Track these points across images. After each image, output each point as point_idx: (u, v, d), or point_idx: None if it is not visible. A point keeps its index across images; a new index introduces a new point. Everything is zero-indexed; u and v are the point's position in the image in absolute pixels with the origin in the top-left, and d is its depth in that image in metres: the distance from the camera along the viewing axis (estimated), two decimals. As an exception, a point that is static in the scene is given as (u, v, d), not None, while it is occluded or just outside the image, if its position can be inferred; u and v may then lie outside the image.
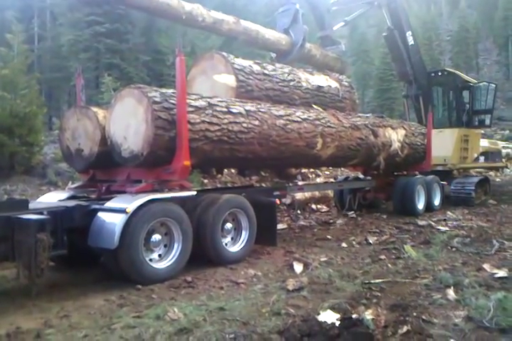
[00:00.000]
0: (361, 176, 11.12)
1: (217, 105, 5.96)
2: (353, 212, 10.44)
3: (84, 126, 6.06)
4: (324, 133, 7.52)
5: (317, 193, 11.31)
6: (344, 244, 7.12)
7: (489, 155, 13.71)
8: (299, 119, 7.11)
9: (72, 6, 26.49)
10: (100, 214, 4.98)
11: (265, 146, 6.55)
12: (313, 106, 7.97)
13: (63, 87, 30.62)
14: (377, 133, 8.92)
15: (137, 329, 3.57)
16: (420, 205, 10.14)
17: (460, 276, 4.94)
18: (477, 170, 14.03)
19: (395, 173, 10.84)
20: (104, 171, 6.25)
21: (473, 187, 11.54)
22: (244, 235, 6.22)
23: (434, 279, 4.91)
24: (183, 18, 7.10)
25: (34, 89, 14.25)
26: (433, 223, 8.90)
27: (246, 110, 6.29)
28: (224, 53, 7.06)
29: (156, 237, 5.20)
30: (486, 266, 5.46)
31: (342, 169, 15.36)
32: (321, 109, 7.97)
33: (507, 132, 33.17)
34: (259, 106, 6.62)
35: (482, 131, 14.51)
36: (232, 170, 11.97)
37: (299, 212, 10.63)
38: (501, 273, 5.11)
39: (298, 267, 5.60)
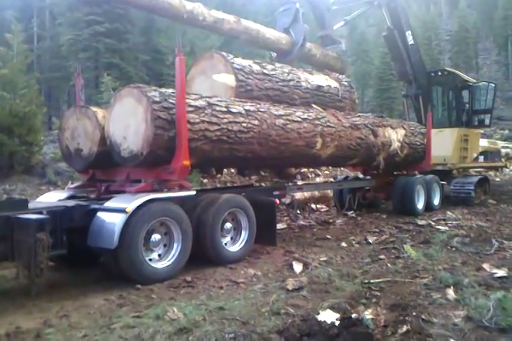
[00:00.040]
0: (361, 176, 11.13)
1: (217, 105, 5.96)
2: (352, 211, 10.44)
3: (83, 126, 6.06)
4: (324, 132, 7.52)
5: (317, 193, 11.31)
6: (344, 244, 7.12)
7: (488, 154, 13.72)
8: (299, 119, 7.11)
9: (72, 6, 26.48)
10: (100, 213, 4.98)
11: (265, 146, 6.55)
12: (313, 105, 7.96)
13: (63, 86, 30.64)
14: (377, 133, 8.92)
15: (137, 329, 3.57)
16: (420, 205, 10.14)
17: (460, 276, 4.94)
18: (476, 169, 14.03)
19: (395, 173, 10.85)
20: (103, 171, 6.25)
21: (472, 187, 11.54)
22: (244, 235, 6.22)
23: (433, 279, 4.91)
24: (184, 17, 7.10)
25: (33, 88, 14.26)
26: (433, 223, 8.91)
27: (245, 110, 6.29)
28: (223, 53, 7.06)
29: (156, 237, 5.20)
30: (485, 265, 5.46)
31: (341, 169, 15.36)
32: (320, 109, 7.97)
33: (506, 132, 33.21)
34: (258, 105, 6.61)
35: (481, 131, 14.51)
36: (232, 170, 11.98)
37: (298, 211, 10.63)
38: (501, 272, 5.11)
39: (297, 267, 5.60)
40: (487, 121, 13.35)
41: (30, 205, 4.94)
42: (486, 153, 13.59)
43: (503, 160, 15.42)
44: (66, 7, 27.66)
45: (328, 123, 7.69)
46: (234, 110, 6.11)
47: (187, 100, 5.52)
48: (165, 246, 5.32)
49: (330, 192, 11.58)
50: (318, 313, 3.78)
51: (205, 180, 12.69)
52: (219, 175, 11.12)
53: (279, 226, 8.46)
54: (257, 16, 27.48)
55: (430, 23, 53.50)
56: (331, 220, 9.69)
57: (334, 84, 8.62)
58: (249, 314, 3.88)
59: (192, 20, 7.29)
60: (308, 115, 7.38)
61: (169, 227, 5.30)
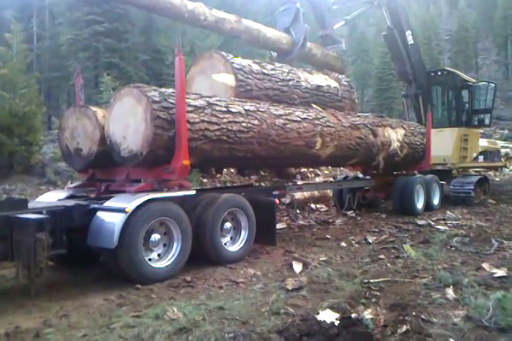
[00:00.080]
0: (360, 175, 11.13)
1: (217, 104, 5.96)
2: (352, 211, 10.44)
3: (83, 126, 6.05)
4: (323, 132, 7.52)
5: (316, 193, 11.31)
6: (343, 244, 7.13)
7: (488, 154, 13.72)
8: (299, 119, 7.11)
9: (71, 5, 26.48)
10: (99, 213, 4.98)
11: (264, 146, 6.55)
12: (313, 105, 7.96)
13: (62, 86, 30.63)
14: (377, 133, 8.92)
15: (136, 329, 3.57)
16: (419, 205, 10.14)
17: (459, 276, 4.94)
18: (476, 169, 14.03)
19: (395, 173, 10.84)
20: (103, 170, 6.25)
21: (472, 187, 11.54)
22: (244, 235, 6.22)
23: (433, 278, 4.91)
24: (185, 17, 7.10)
25: (33, 88, 14.26)
26: (432, 222, 8.91)
27: (245, 109, 6.29)
28: (223, 53, 7.06)
29: (156, 237, 5.20)
30: (485, 265, 5.46)
31: (341, 168, 15.36)
32: (320, 109, 7.97)
33: (506, 131, 33.22)
34: (258, 105, 6.61)
35: (481, 131, 14.51)
36: (232, 170, 11.97)
37: (298, 211, 10.63)
38: (500, 272, 5.11)
39: (297, 266, 5.60)
40: (487, 121, 13.36)
41: (30, 205, 4.94)
42: (486, 153, 13.59)
43: (502, 160, 15.43)
44: (66, 7, 27.66)
45: (328, 123, 7.69)
46: (234, 110, 6.10)
47: (187, 100, 5.52)
48: (164, 245, 5.32)
49: (329, 192, 11.58)
50: (318, 313, 3.78)
51: (205, 180, 12.69)
52: (219, 175, 11.14)
53: (279, 226, 8.47)
54: (256, 16, 27.45)
55: (430, 22, 53.50)
56: (330, 220, 9.69)
57: (334, 83, 8.62)
58: (248, 314, 3.88)
59: (193, 20, 7.29)
60: (308, 115, 7.38)
61: (169, 227, 5.30)
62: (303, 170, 14.43)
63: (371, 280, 4.89)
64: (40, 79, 22.78)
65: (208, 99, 5.96)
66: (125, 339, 3.44)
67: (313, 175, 15.10)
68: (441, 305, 4.06)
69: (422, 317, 3.71)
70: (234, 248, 6.09)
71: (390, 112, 35.71)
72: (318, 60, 9.58)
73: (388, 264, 5.74)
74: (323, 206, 11.63)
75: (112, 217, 4.84)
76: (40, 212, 4.66)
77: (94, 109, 6.13)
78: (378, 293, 4.45)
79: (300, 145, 7.14)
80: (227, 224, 6.08)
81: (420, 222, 8.93)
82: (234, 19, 7.78)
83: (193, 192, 5.75)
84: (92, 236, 4.88)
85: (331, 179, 13.57)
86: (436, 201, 10.81)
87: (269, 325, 3.61)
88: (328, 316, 3.66)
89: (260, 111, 6.52)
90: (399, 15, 12.17)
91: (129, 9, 24.23)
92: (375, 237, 7.53)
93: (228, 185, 12.35)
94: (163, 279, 5.07)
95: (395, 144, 9.47)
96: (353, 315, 3.66)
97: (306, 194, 10.92)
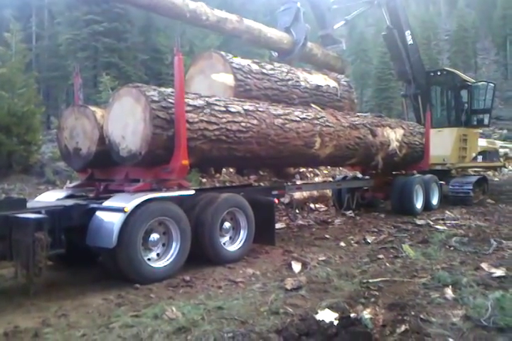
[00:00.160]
0: (359, 175, 11.13)
1: (216, 104, 5.96)
2: (351, 211, 10.44)
3: (82, 125, 6.05)
4: (322, 132, 7.52)
5: (315, 192, 11.31)
6: (342, 243, 7.13)
7: (487, 154, 13.73)
8: (298, 118, 7.11)
9: (71, 5, 26.47)
10: (98, 213, 4.97)
11: (264, 145, 6.55)
12: (312, 105, 7.96)
13: (61, 85, 30.62)
14: (376, 133, 8.92)
15: (135, 329, 3.57)
16: (418, 204, 10.15)
17: (458, 275, 4.94)
18: (475, 169, 14.05)
19: (394, 172, 10.85)
20: (102, 170, 6.24)
21: (471, 187, 11.55)
22: (243, 234, 6.21)
23: (432, 278, 4.91)
24: (187, 17, 7.10)
25: (32, 88, 14.25)
26: (431, 222, 8.91)
27: (244, 109, 6.29)
28: (222, 52, 7.05)
29: (155, 236, 5.19)
30: (484, 265, 5.47)
31: (340, 168, 15.36)
32: (319, 109, 7.97)
33: (505, 131, 33.23)
34: (257, 105, 6.61)
35: (480, 131, 14.53)
36: (231, 170, 11.97)
37: (297, 211, 10.63)
38: (499, 272, 5.12)
39: (296, 266, 5.61)
40: (486, 121, 13.37)
41: (29, 205, 4.93)
42: (485, 153, 13.60)
43: (501, 159, 15.44)
44: (65, 6, 27.66)
45: (327, 123, 7.69)
46: (233, 110, 6.10)
47: (186, 99, 5.51)
48: (163, 245, 5.31)
49: (329, 192, 11.58)
50: (317, 313, 3.78)
51: (204, 180, 12.68)
52: (218, 175, 11.13)
53: (278, 225, 8.47)
54: (256, 16, 27.43)
55: (429, 22, 53.51)
56: (329, 220, 9.69)
57: (333, 83, 8.62)
58: (247, 313, 3.88)
59: (195, 20, 7.29)
60: (307, 115, 7.38)
61: (168, 227, 5.30)
62: (302, 169, 14.43)
63: (370, 280, 4.89)
64: (39, 78, 22.79)
65: (207, 98, 5.96)
66: (124, 338, 3.44)
67: (312, 174, 15.10)
68: (440, 305, 4.06)
69: (421, 316, 3.72)
70: (233, 248, 6.09)
71: (389, 112, 35.72)
72: (318, 59, 9.58)
73: (387, 264, 5.74)
74: (322, 206, 11.62)
75: (110, 217, 4.84)
76: (39, 212, 4.65)
77: (93, 108, 6.12)
78: (377, 293, 4.46)
79: (299, 145, 7.14)
80: (227, 224, 6.08)
81: (419, 222, 8.93)
82: (235, 19, 7.79)
83: (192, 192, 5.75)
84: (90, 235, 4.88)
85: (330, 179, 13.58)
86: (435, 201, 10.81)
87: (268, 324, 3.61)
88: (327, 316, 3.66)
89: (259, 110, 6.51)
90: (398, 15, 12.17)
91: (128, 9, 24.24)
92: (374, 237, 7.54)
93: (227, 184, 12.34)
94: (162, 279, 5.06)
95: (394, 144, 9.47)
96: (351, 315, 3.67)
97: (305, 194, 10.92)
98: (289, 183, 11.60)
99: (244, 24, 7.95)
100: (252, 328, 3.53)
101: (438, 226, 8.47)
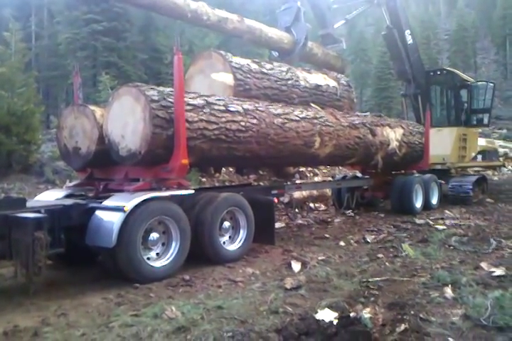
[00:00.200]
0: (359, 175, 11.13)
1: (215, 104, 5.95)
2: (350, 210, 10.45)
3: (81, 125, 6.05)
4: (322, 131, 7.52)
5: (315, 192, 11.31)
6: (342, 243, 7.13)
7: (486, 154, 13.74)
8: (297, 118, 7.10)
9: (70, 4, 26.47)
10: (98, 212, 4.97)
11: (263, 145, 6.55)
12: (312, 104, 7.96)
13: (61, 85, 30.62)
14: (375, 132, 8.92)
15: (135, 328, 3.57)
16: (418, 204, 10.15)
17: (457, 275, 4.95)
18: (475, 168, 14.05)
19: (393, 172, 10.85)
20: (101, 169, 6.24)
21: (470, 186, 11.55)
22: (242, 234, 6.21)
23: (431, 277, 4.92)
24: (188, 17, 7.11)
25: (31, 87, 14.24)
26: (431, 222, 8.91)
27: (244, 109, 6.29)
28: (222, 52, 7.04)
29: (154, 236, 5.19)
30: (483, 264, 5.47)
31: (340, 168, 15.36)
32: (319, 108, 7.97)
33: (504, 131, 33.22)
34: (257, 104, 6.61)
35: (480, 130, 14.53)
36: (230, 169, 11.97)
37: (296, 210, 10.63)
38: (499, 271, 5.12)
39: (296, 266, 5.61)
40: (486, 121, 13.37)
41: (28, 204, 4.92)
42: (484, 153, 13.62)
43: (500, 159, 15.45)
44: (64, 5, 27.66)
45: (327, 123, 7.69)
46: (232, 109, 6.10)
47: (185, 99, 5.51)
48: (163, 244, 5.31)
49: (328, 191, 11.58)
50: (317, 312, 3.79)
51: (204, 179, 12.69)
52: (217, 174, 11.12)
53: (278, 225, 8.47)
54: (256, 15, 27.42)
55: (429, 22, 53.49)
56: (329, 219, 9.69)
57: (332, 83, 8.62)
58: (247, 313, 3.88)
59: (196, 20, 7.30)
60: (307, 114, 7.38)
61: (167, 226, 5.30)
62: (301, 169, 14.44)
63: (370, 280, 4.89)
64: (39, 78, 22.78)
65: (206, 98, 5.95)
66: (123, 338, 3.44)
67: (311, 174, 15.10)
68: (440, 304, 4.07)
69: (421, 316, 3.72)
70: (232, 247, 6.09)
71: (389, 112, 35.71)
72: (318, 59, 9.58)
73: (387, 263, 5.74)
74: (322, 205, 11.62)
75: (110, 216, 4.84)
76: (38, 211, 4.65)
77: (92, 107, 6.12)
78: (377, 292, 4.46)
79: (299, 144, 7.14)
80: (226, 223, 6.08)
81: (419, 221, 8.94)
82: (236, 19, 7.79)
83: (192, 191, 5.75)
84: (90, 235, 4.88)
85: (330, 178, 13.58)
86: (434, 200, 10.82)
87: (267, 324, 3.61)
88: (326, 315, 3.66)
89: (259, 110, 6.51)
90: (398, 15, 12.17)
91: (128, 8, 24.22)
92: (373, 236, 7.54)
93: (227, 184, 12.35)
94: (161, 278, 5.06)
95: (394, 143, 9.48)
96: (351, 314, 3.67)
97: (305, 193, 10.92)
98: (288, 183, 11.61)
99: (245, 24, 7.95)
100: (251, 327, 3.53)
101: (437, 226, 8.46)
